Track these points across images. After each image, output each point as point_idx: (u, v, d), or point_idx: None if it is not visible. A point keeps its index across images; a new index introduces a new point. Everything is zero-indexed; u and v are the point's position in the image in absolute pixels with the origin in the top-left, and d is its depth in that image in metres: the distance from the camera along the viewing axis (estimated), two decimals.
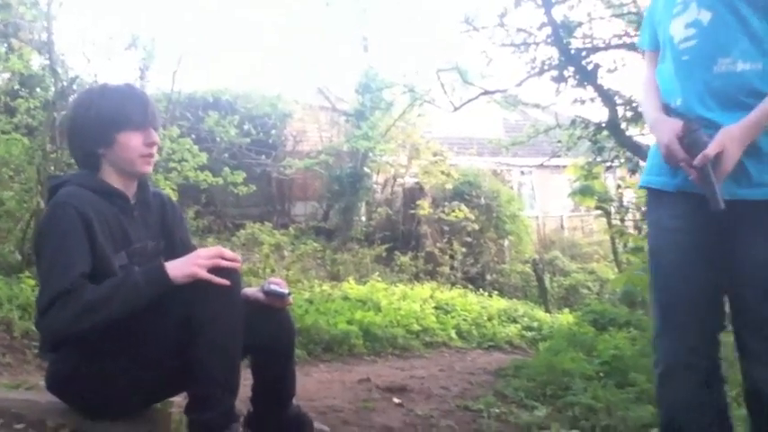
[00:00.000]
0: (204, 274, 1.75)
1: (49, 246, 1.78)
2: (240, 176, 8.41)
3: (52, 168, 5.17)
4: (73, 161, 5.02)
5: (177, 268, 1.76)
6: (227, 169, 8.49)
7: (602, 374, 3.81)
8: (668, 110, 1.69)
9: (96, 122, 1.88)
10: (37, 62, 6.50)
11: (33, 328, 3.35)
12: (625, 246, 7.82)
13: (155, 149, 1.95)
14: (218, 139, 9.40)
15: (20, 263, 5.03)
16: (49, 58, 5.71)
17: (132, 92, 1.97)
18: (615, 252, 9.24)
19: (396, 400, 3.15)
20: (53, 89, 5.67)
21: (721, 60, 1.58)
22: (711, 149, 1.54)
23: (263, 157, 10.56)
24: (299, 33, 21.98)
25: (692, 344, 1.68)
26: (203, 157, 7.40)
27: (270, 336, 2.02)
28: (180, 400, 2.17)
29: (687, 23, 1.64)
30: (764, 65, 1.55)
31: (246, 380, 2.08)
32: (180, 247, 2.02)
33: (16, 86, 6.21)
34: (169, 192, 5.80)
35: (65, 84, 5.66)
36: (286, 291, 2.02)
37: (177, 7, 19.13)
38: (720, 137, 1.54)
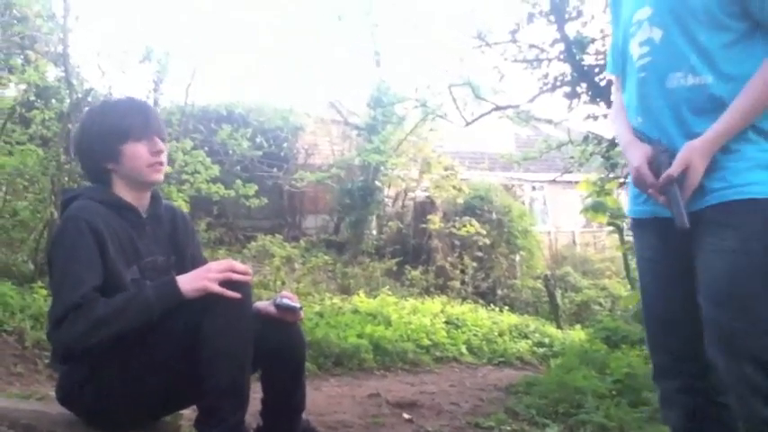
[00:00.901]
0: (215, 288, 1.75)
1: (61, 258, 1.79)
2: (252, 189, 8.43)
3: (66, 179, 5.21)
4: None
5: (188, 282, 1.77)
6: (238, 182, 8.53)
7: (614, 393, 3.76)
8: (634, 131, 1.71)
9: (99, 139, 1.91)
10: (52, 74, 6.57)
11: (45, 338, 3.35)
12: None
13: (162, 157, 1.96)
14: (230, 151, 9.44)
15: (32, 273, 5.06)
16: (65, 70, 5.76)
17: (131, 103, 2.00)
18: (627, 269, 9.14)
19: (406, 416, 3.12)
20: (68, 101, 5.72)
21: (672, 75, 1.60)
22: (675, 168, 1.55)
23: (275, 169, 10.61)
24: (311, 47, 22.13)
25: (681, 367, 1.67)
26: (216, 170, 7.43)
27: (280, 349, 2.01)
28: (189, 412, 2.16)
29: (641, 42, 1.67)
30: (714, 78, 1.56)
31: (256, 393, 2.07)
32: (190, 262, 2.02)
33: (32, 98, 6.26)
34: (181, 203, 5.83)
35: (79, 95, 5.70)
36: (298, 305, 2.03)
37: (192, 21, 19.31)
38: (684, 153, 1.55)
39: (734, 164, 1.53)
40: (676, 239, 1.58)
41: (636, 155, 1.65)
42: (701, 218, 1.55)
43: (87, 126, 1.95)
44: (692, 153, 1.54)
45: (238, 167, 9.77)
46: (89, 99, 5.80)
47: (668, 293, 1.68)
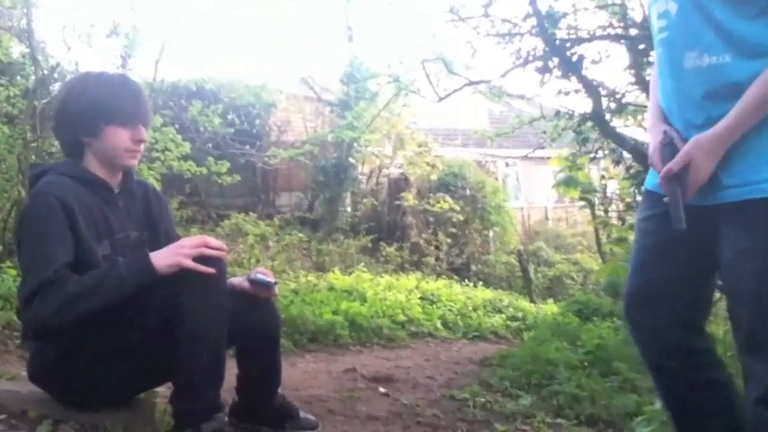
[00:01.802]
0: (189, 264, 1.74)
1: (30, 236, 1.75)
2: (224, 166, 8.36)
3: (33, 157, 5.09)
4: (54, 150, 4.96)
5: (162, 258, 1.75)
6: (210, 159, 8.44)
7: (586, 364, 3.84)
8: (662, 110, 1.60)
9: (85, 110, 1.85)
10: (17, 50, 6.40)
11: (15, 318, 3.31)
12: (609, 236, 7.87)
13: (142, 147, 1.93)
14: (201, 128, 9.32)
15: (1, 253, 4.97)
16: (29, 45, 5.61)
17: (126, 85, 1.94)
18: (599, 243, 9.29)
19: (381, 390, 3.15)
20: (33, 77, 5.58)
21: (688, 54, 1.46)
22: (675, 163, 1.46)
23: (248, 147, 10.50)
24: (283, 23, 21.84)
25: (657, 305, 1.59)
26: (187, 147, 7.33)
27: (256, 326, 2.01)
28: (164, 390, 2.16)
29: (659, 14, 1.53)
30: (733, 58, 1.39)
31: (232, 369, 2.07)
32: (164, 238, 2.00)
33: None
34: (153, 182, 5.74)
35: (45, 72, 5.56)
36: (272, 280, 2.02)
37: None
38: (688, 148, 1.44)
39: (750, 158, 1.39)
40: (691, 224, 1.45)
41: (652, 137, 1.55)
42: (719, 212, 1.44)
43: (76, 94, 1.88)
44: (695, 149, 1.43)
45: (210, 145, 9.66)
46: (55, 75, 5.67)
47: (665, 260, 1.58)
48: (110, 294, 1.70)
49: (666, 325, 1.58)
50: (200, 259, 1.75)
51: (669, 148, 1.49)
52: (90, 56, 10.13)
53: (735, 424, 1.53)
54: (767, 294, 1.37)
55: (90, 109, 1.84)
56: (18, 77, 6.20)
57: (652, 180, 1.64)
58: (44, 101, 5.17)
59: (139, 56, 7.56)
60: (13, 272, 4.14)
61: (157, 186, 5.39)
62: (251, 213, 9.63)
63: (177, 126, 8.07)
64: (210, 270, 1.75)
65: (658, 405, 2.30)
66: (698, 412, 1.58)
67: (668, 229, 1.48)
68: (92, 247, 1.79)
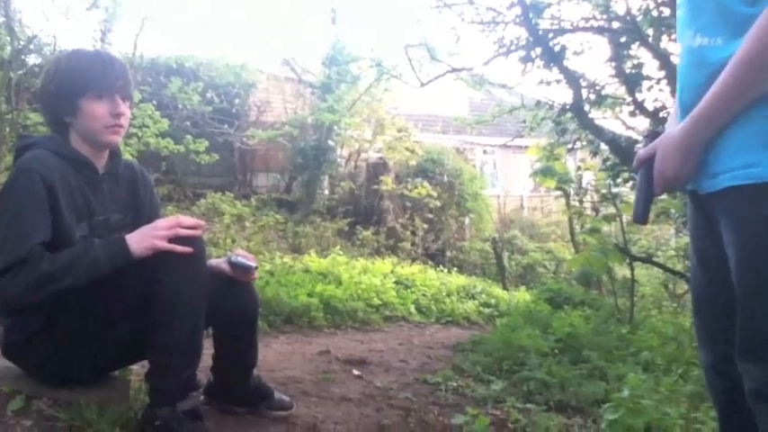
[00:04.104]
0: (164, 245, 1.73)
1: (9, 211, 1.73)
2: (202, 145, 8.29)
3: (7, 130, 5.01)
4: (29, 123, 4.87)
5: (137, 242, 1.74)
6: (189, 137, 8.35)
7: (556, 351, 3.90)
8: None
9: (60, 87, 1.83)
10: None
11: None
12: (582, 227, 7.97)
13: (123, 120, 1.88)
14: (180, 106, 9.21)
15: None
16: (5, 15, 5.49)
17: (97, 57, 1.90)
18: (572, 232, 9.42)
19: (355, 372, 3.18)
20: (9, 48, 5.46)
21: (687, 33, 1.37)
22: (642, 152, 1.42)
23: (226, 126, 10.40)
24: (266, 2, 21.57)
25: (712, 347, 1.52)
26: (165, 124, 7.26)
27: (233, 307, 2.02)
28: (139, 368, 2.16)
29: None
30: (725, 40, 1.28)
31: (208, 349, 2.08)
32: (147, 223, 1.99)
33: None
34: (128, 158, 5.67)
35: (22, 42, 5.46)
36: (253, 264, 2.01)
37: None
38: (658, 140, 1.40)
39: (730, 141, 1.29)
40: (708, 216, 1.39)
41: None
42: (714, 201, 1.35)
43: (51, 73, 1.87)
44: (663, 141, 1.38)
45: (188, 123, 9.54)
46: (31, 47, 5.55)
47: (702, 269, 1.50)
48: (83, 275, 1.69)
49: (723, 328, 1.47)
50: (177, 239, 1.75)
51: (649, 140, 1.46)
52: (68, 28, 9.93)
53: None
54: (757, 296, 1.28)
55: (64, 84, 1.82)
56: None
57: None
58: (20, 72, 5.07)
59: (119, 30, 7.44)
60: None
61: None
62: (228, 193, 9.56)
63: (156, 103, 7.97)
64: (187, 249, 1.74)
65: (626, 393, 2.36)
66: (746, 420, 1.44)
67: (703, 228, 1.44)
68: (70, 228, 1.78)
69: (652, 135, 1.46)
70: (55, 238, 1.73)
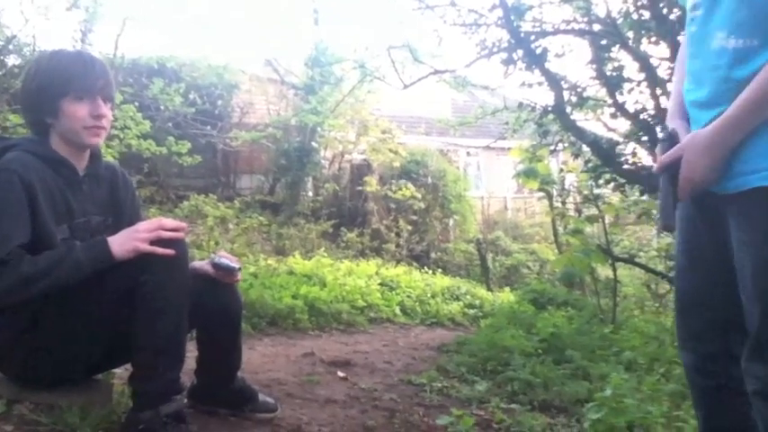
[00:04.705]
0: (146, 248, 1.72)
1: None
2: (185, 146, 8.24)
3: None
4: (8, 125, 4.81)
5: (119, 244, 1.73)
6: (171, 139, 8.30)
7: (540, 351, 3.92)
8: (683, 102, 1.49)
9: (41, 88, 1.81)
10: None
11: None
12: (565, 228, 8.03)
13: (104, 122, 1.86)
14: (162, 107, 9.15)
15: None
16: None
17: (79, 58, 1.89)
18: (556, 234, 9.48)
19: (340, 374, 3.18)
20: None
21: (718, 34, 1.32)
22: (667, 156, 1.39)
23: (209, 127, 10.34)
24: (248, 2, 21.49)
25: (696, 347, 1.54)
26: (146, 125, 7.21)
27: (217, 308, 2.01)
28: (122, 371, 2.14)
29: None
30: (762, 42, 1.25)
31: (192, 352, 2.07)
32: (128, 225, 1.97)
33: None
34: (110, 160, 5.62)
35: (1, 43, 5.39)
36: (236, 265, 2.01)
37: None
38: (683, 143, 1.37)
39: (759, 142, 1.28)
40: (711, 217, 1.39)
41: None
42: (727, 201, 1.35)
43: (31, 74, 1.85)
44: (689, 145, 1.35)
45: (170, 124, 9.49)
46: (10, 47, 5.49)
47: (692, 270, 1.51)
48: (64, 278, 1.68)
49: (710, 328, 1.51)
50: (159, 242, 1.74)
51: (668, 143, 1.42)
52: (48, 29, 9.83)
53: None
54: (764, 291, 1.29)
55: (45, 85, 1.81)
56: None
57: None
58: (1, 72, 5.01)
59: (100, 31, 7.38)
60: None
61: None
62: (211, 195, 9.51)
63: (137, 104, 7.92)
64: (170, 252, 1.74)
65: (609, 392, 2.38)
66: (732, 418, 1.50)
67: (696, 227, 1.43)
68: (50, 230, 1.76)
69: (670, 138, 1.43)
70: (35, 240, 1.71)
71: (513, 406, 2.81)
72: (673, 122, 1.49)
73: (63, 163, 1.86)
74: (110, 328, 1.78)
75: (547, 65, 5.92)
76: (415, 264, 10.03)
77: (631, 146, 6.04)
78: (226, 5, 22.05)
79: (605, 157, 5.77)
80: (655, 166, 1.44)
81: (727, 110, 1.28)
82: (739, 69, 1.29)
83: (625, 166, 5.72)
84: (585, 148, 6.42)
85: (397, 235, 11.06)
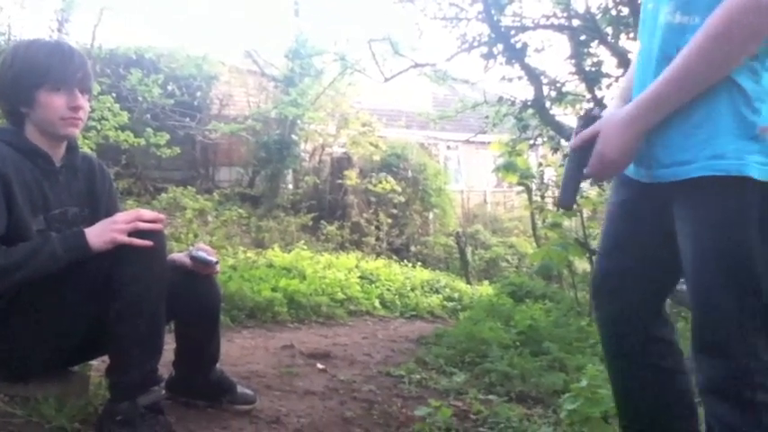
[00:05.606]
0: (124, 239, 1.71)
1: None
2: (163, 138, 8.17)
3: None
4: None
5: (96, 235, 1.72)
6: (149, 130, 8.22)
7: (518, 343, 3.96)
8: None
9: (17, 77, 1.78)
10: None
11: None
12: (544, 221, 8.10)
13: (81, 113, 1.84)
14: (140, 98, 9.05)
15: None
16: None
17: (57, 48, 1.85)
18: (534, 227, 9.55)
19: (319, 366, 3.18)
20: None
21: (664, 9, 1.29)
22: (579, 136, 1.35)
23: (188, 119, 10.25)
24: None
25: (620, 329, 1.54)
26: (124, 117, 7.14)
27: (195, 301, 2.01)
28: (99, 363, 2.13)
29: None
30: (702, 19, 1.19)
31: (170, 344, 2.06)
32: (105, 216, 1.96)
33: None
34: (87, 152, 5.56)
35: None
36: (214, 259, 2.01)
37: None
38: (603, 119, 1.34)
39: (698, 130, 1.24)
40: (656, 202, 1.37)
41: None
42: (670, 190, 1.31)
43: (8, 63, 1.82)
44: (608, 119, 1.32)
45: (148, 116, 9.39)
46: None
47: (621, 252, 1.50)
48: (40, 269, 1.66)
49: (633, 310, 1.51)
50: (137, 233, 1.73)
51: (584, 120, 1.38)
52: (24, 18, 9.66)
53: (686, 413, 1.50)
54: (712, 289, 1.27)
55: (21, 75, 1.78)
56: None
57: None
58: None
59: (77, 20, 7.28)
60: None
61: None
62: (189, 187, 9.44)
63: (115, 95, 7.83)
64: (147, 243, 1.73)
65: (585, 383, 2.41)
66: (650, 399, 1.51)
67: (637, 214, 1.43)
68: (26, 221, 1.74)
69: (588, 119, 1.39)
70: (10, 231, 1.69)
71: (490, 397, 2.83)
72: (614, 102, 1.48)
73: (39, 153, 1.83)
74: (86, 320, 1.77)
75: (527, 59, 5.96)
76: (394, 257, 10.06)
77: None
78: None
79: None
80: (570, 142, 1.41)
81: (650, 86, 1.25)
82: (679, 45, 1.24)
83: None
84: (564, 142, 6.48)
85: (377, 228, 11.08)
